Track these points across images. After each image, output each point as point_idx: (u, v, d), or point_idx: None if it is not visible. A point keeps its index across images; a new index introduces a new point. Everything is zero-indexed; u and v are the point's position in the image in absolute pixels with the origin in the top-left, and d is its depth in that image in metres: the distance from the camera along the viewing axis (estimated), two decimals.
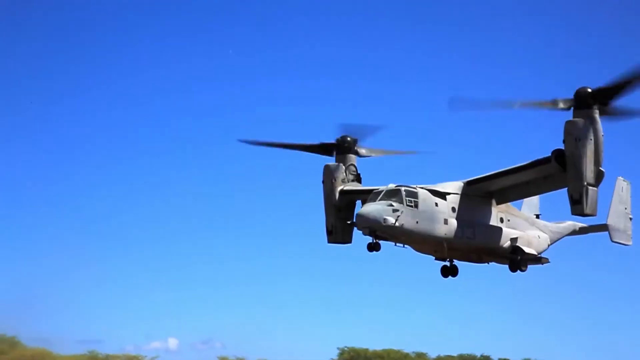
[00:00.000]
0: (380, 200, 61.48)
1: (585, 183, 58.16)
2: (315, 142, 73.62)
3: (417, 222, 61.61)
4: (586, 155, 58.18)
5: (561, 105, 59.60)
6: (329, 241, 71.64)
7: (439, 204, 63.47)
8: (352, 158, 72.95)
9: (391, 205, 60.81)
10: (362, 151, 73.14)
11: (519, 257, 66.55)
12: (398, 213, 60.59)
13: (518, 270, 66.95)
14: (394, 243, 64.65)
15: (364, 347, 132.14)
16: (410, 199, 61.84)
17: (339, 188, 70.81)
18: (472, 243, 64.69)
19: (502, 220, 67.62)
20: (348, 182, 71.76)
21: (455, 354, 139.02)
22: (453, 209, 64.28)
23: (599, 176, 58.83)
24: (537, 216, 73.89)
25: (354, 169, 72.56)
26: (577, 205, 58.61)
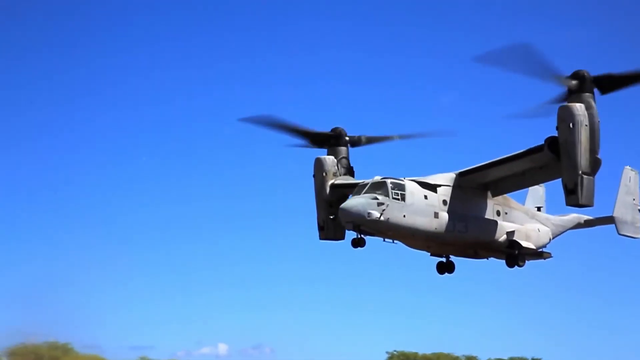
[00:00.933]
0: (365, 193, 58.49)
1: (580, 172, 54.73)
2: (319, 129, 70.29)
3: (404, 216, 58.52)
4: (581, 142, 54.76)
5: (563, 83, 56.10)
6: (321, 238, 68.60)
7: (428, 197, 60.31)
8: (345, 150, 69.87)
9: (376, 198, 57.78)
10: (358, 140, 69.90)
11: (516, 252, 63.13)
12: (383, 207, 57.55)
13: (516, 266, 63.50)
14: (382, 239, 61.74)
15: (413, 350, 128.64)
16: (396, 191, 58.77)
17: (330, 182, 67.72)
18: (464, 237, 61.42)
19: (498, 213, 64.28)
20: (340, 175, 68.69)
21: (506, 357, 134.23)
22: (444, 202, 61.07)
23: (595, 164, 55.34)
24: (539, 209, 70.41)
25: (346, 162, 69.49)
26: (572, 196, 55.21)
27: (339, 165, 68.97)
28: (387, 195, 58.18)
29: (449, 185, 61.86)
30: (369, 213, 56.99)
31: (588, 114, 54.89)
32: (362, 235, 58.65)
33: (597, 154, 55.47)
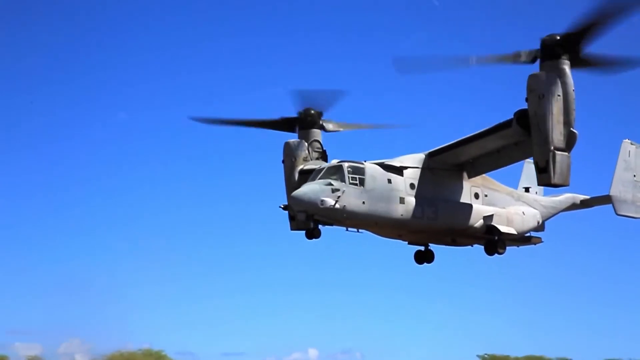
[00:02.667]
0: (319, 178, 53.38)
1: (552, 147, 48.97)
2: (276, 117, 65.86)
3: (363, 203, 53.26)
4: (552, 114, 48.99)
5: (525, 58, 50.48)
6: (292, 228, 63.46)
7: (392, 181, 54.97)
8: (317, 133, 64.75)
9: (330, 184, 52.62)
10: (329, 126, 64.92)
11: (495, 238, 57.38)
12: (339, 193, 52.39)
13: (495, 254, 57.80)
14: (345, 228, 56.63)
15: (505, 354, 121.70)
16: (354, 176, 53.54)
17: (299, 167, 62.65)
18: (435, 224, 55.91)
19: (477, 196, 58.61)
20: (312, 160, 63.59)
21: None
22: (412, 186, 55.66)
23: (570, 139, 49.53)
24: (527, 189, 64.35)
25: (319, 145, 64.38)
26: (543, 174, 49.52)
27: (310, 149, 63.85)
28: (343, 180, 53.04)
29: (417, 167, 56.48)
30: (322, 201, 51.88)
31: (561, 82, 49.13)
32: (318, 225, 53.76)
33: (573, 127, 49.68)
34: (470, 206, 57.15)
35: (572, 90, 49.33)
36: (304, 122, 64.66)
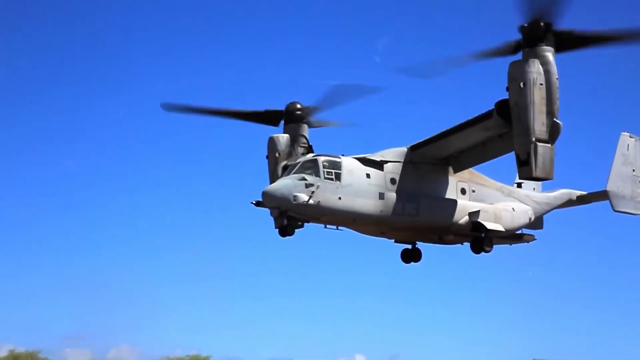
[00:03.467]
0: (293, 173, 51.14)
1: (534, 139, 46.35)
2: (261, 108, 63.23)
3: (339, 199, 50.94)
4: (534, 104, 46.39)
5: (508, 48, 48.11)
6: (277, 226, 61.01)
7: (371, 175, 52.60)
8: (303, 128, 62.03)
9: (304, 179, 50.34)
10: (316, 121, 62.45)
11: (482, 235, 54.80)
12: (313, 188, 50.09)
13: (482, 252, 55.20)
14: (324, 225, 54.33)
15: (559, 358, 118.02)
16: (329, 170, 51.24)
17: (283, 163, 60.30)
18: (416, 221, 53.43)
19: (463, 191, 56.07)
20: (298, 155, 61.20)
21: None
22: (392, 181, 53.25)
23: (553, 130, 46.87)
24: (519, 185, 61.58)
25: (305, 141, 61.77)
26: (525, 167, 46.88)
27: (295, 145, 61.41)
28: (317, 175, 50.73)
29: (399, 162, 54.04)
30: (295, 196, 49.61)
31: (544, 70, 46.57)
32: (291, 223, 51.26)
33: (556, 118, 47.07)
34: (454, 202, 54.66)
35: (555, 79, 46.76)
36: (290, 116, 62.19)
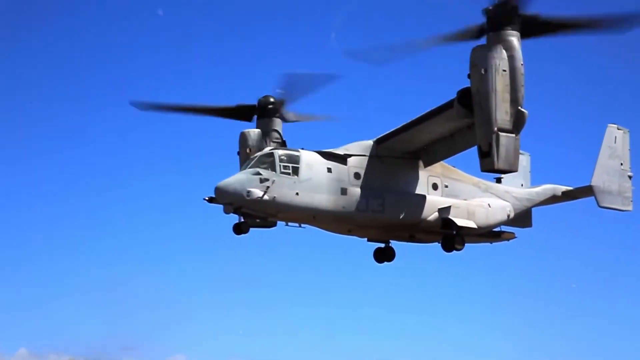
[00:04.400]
0: (249, 168, 48.76)
1: (496, 128, 43.55)
2: (232, 104, 60.85)
3: (297, 194, 48.43)
4: (496, 92, 43.57)
5: (471, 33, 45.26)
6: (249, 225, 58.70)
7: (333, 170, 50.06)
8: (277, 123, 59.75)
9: (258, 173, 47.90)
10: (289, 115, 60.03)
11: (454, 232, 51.98)
12: (268, 183, 47.63)
13: (454, 250, 52.40)
14: (285, 223, 51.91)
15: None
16: (286, 164, 48.77)
17: None
18: (382, 218, 50.75)
19: (435, 186, 53.28)
20: None
21: None
22: (356, 175, 50.66)
23: (518, 119, 44.03)
24: (498, 180, 58.60)
25: (278, 136, 59.38)
26: (486, 159, 44.07)
27: (267, 140, 59.02)
28: (273, 169, 48.29)
29: (364, 155, 51.47)
30: (248, 192, 47.17)
31: (508, 56, 43.76)
32: (246, 220, 48.94)
33: (521, 106, 44.22)
34: (423, 197, 51.88)
35: (520, 65, 43.93)
36: (263, 111, 59.86)
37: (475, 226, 52.12)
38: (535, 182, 63.09)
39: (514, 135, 43.99)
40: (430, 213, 51.72)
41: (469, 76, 44.38)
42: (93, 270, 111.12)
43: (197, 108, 60.28)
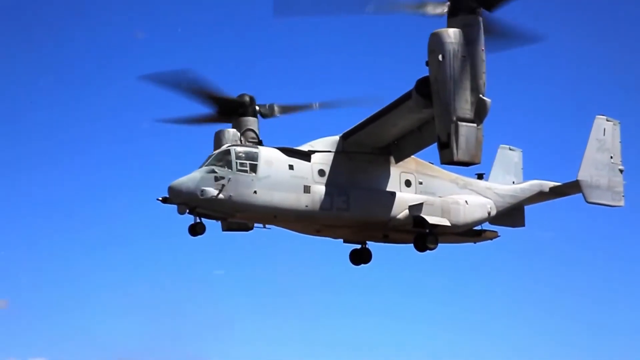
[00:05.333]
0: (205, 166, 46.70)
1: (455, 118, 41.13)
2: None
3: (254, 193, 46.22)
4: (454, 79, 41.20)
5: (433, 10, 42.68)
6: (224, 229, 56.71)
7: (295, 167, 47.82)
8: (252, 121, 57.33)
9: (213, 171, 45.81)
10: (269, 110, 57.70)
11: (427, 231, 49.39)
12: (223, 181, 45.51)
13: (427, 250, 49.79)
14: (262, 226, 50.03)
15: None
16: (244, 161, 46.60)
17: None
18: (345, 216, 48.30)
19: (408, 183, 50.76)
20: None
21: None
22: (321, 172, 48.36)
23: (480, 108, 41.62)
24: (480, 176, 55.89)
25: (254, 135, 57.02)
26: (445, 150, 41.69)
27: (242, 139, 56.87)
28: (229, 166, 46.17)
29: (329, 152, 49.19)
30: (202, 191, 45.06)
31: (468, 41, 41.41)
32: (202, 220, 46.72)
33: (483, 94, 41.76)
34: (392, 194, 49.38)
35: (481, 50, 41.54)
36: (238, 110, 57.66)
37: (449, 224, 49.46)
38: (527, 179, 60.39)
39: (475, 125, 41.56)
40: (400, 211, 49.20)
41: (427, 63, 42.06)
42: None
43: (203, 90, 57.50)
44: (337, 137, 49.65)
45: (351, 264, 54.99)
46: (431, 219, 48.78)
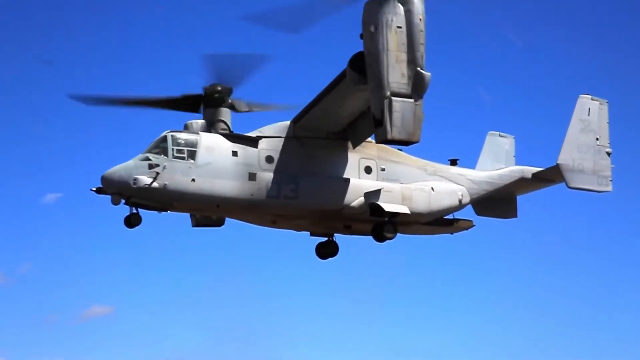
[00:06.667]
0: (142, 153, 44.30)
1: (388, 93, 38.05)
2: (178, 94, 56.09)
3: (192, 181, 43.63)
4: (388, 51, 38.17)
5: None
6: (193, 225, 54.31)
7: (239, 153, 45.16)
8: (225, 113, 54.51)
9: (147, 159, 43.37)
10: (239, 105, 55.10)
11: (386, 220, 46.18)
12: (157, 169, 43.03)
13: (386, 240, 46.61)
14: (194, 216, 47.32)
15: None
16: (181, 148, 44.11)
17: None
18: (294, 204, 45.36)
19: (368, 169, 47.57)
20: None
21: None
22: (269, 159, 45.58)
23: (418, 82, 38.48)
24: (454, 162, 52.28)
25: (225, 127, 54.26)
26: (379, 128, 38.66)
27: (213, 131, 54.35)
28: (165, 153, 43.69)
29: (279, 137, 46.38)
30: (135, 179, 42.60)
31: (405, 10, 38.42)
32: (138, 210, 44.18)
33: (421, 67, 38.55)
34: (345, 181, 46.26)
35: (418, 20, 38.40)
36: (209, 100, 55.00)
37: (408, 211, 46.14)
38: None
39: (412, 100, 38.36)
40: (354, 198, 46.06)
41: (361, 36, 39.08)
42: None
43: (141, 100, 55.64)
44: (288, 122, 46.81)
45: (318, 257, 51.93)
46: (388, 207, 45.52)
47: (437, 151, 57.16)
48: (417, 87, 38.37)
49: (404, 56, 38.18)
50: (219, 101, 53.62)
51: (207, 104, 54.24)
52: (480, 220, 54.77)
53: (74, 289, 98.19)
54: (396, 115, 37.92)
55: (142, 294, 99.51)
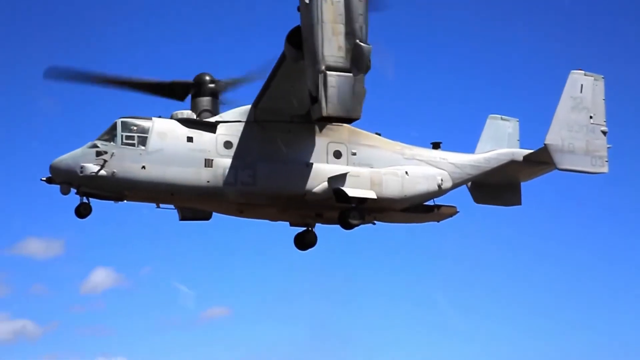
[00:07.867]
0: (92, 141, 42.86)
1: (323, 67, 35.88)
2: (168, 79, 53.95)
3: (143, 168, 42.01)
4: (323, 23, 36.11)
5: None
6: (180, 218, 52.67)
7: (195, 139, 43.34)
8: (212, 103, 52.98)
9: (95, 146, 41.91)
10: (228, 95, 53.27)
11: (353, 206, 43.78)
12: (105, 157, 41.55)
13: (352, 227, 44.21)
14: (155, 205, 45.50)
15: None
16: (131, 134, 42.38)
17: None
18: (252, 191, 43.32)
19: (338, 154, 45.19)
20: None
21: None
22: (227, 144, 43.68)
23: (358, 55, 36.23)
24: (436, 145, 49.35)
25: (211, 117, 52.93)
26: (315, 105, 36.53)
27: None
28: (114, 140, 42.14)
29: (239, 121, 44.47)
30: (81, 167, 41.20)
31: None
32: (88, 200, 42.69)
33: (362, 40, 36.22)
34: (309, 166, 44.02)
35: None
36: (198, 89, 53.06)
37: (374, 197, 43.59)
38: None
39: (351, 74, 36.06)
40: (317, 183, 43.77)
41: (298, 9, 36.96)
42: None
43: (125, 81, 53.41)
44: (248, 106, 44.84)
45: (297, 249, 49.72)
46: (352, 192, 43.07)
47: (433, 137, 54.12)
48: (357, 61, 36.08)
49: (341, 28, 35.98)
50: (207, 92, 51.86)
51: (195, 93, 52.55)
52: (479, 208, 52.59)
53: None
54: (332, 91, 35.73)
55: None
